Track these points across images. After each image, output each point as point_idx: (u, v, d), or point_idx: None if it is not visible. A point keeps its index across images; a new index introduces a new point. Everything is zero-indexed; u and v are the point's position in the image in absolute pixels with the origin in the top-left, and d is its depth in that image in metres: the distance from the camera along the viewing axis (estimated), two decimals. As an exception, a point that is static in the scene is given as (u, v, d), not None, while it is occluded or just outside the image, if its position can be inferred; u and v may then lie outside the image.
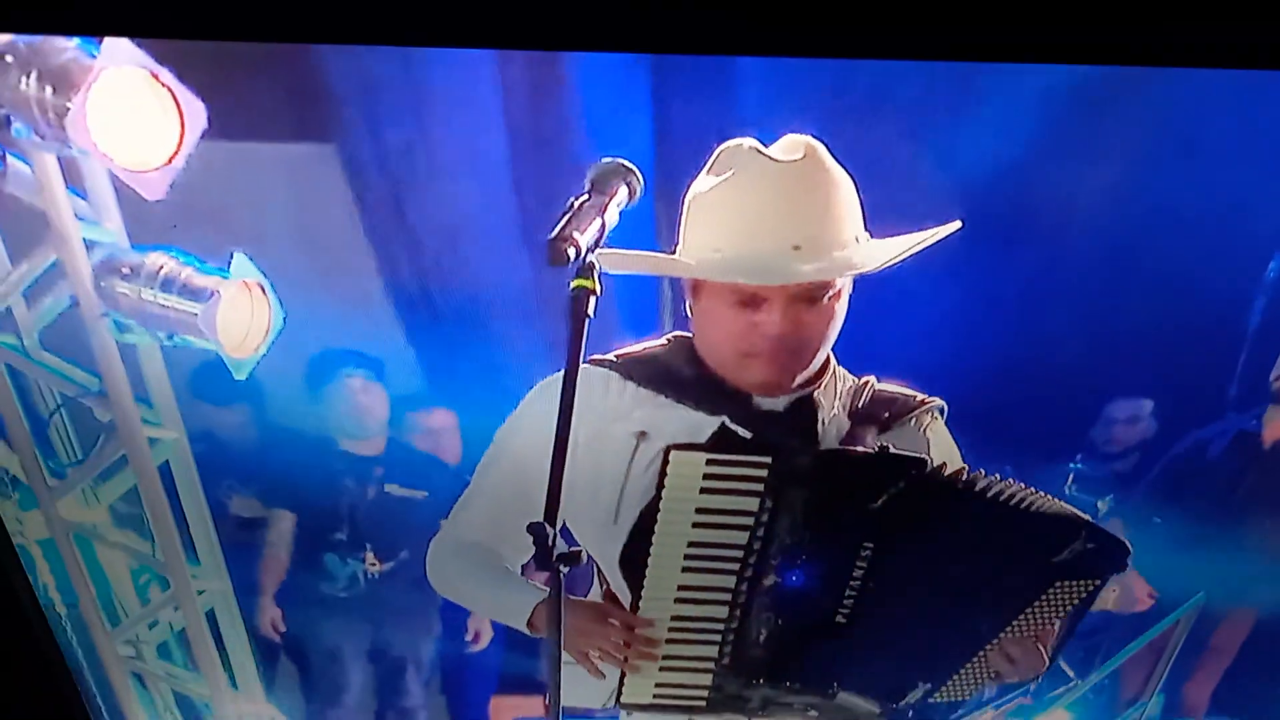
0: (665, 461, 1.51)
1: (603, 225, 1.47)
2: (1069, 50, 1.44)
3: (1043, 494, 1.51)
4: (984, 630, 1.58)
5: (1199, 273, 2.00)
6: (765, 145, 1.53)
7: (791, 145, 1.52)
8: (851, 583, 1.57)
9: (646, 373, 1.62)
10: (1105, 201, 1.88)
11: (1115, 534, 1.53)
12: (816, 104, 1.64)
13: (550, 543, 1.38)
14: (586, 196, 1.50)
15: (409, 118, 1.80)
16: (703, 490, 1.53)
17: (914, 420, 1.63)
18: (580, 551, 1.45)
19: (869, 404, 1.62)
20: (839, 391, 1.62)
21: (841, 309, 1.59)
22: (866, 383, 1.65)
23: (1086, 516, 1.52)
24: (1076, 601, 1.56)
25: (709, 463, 1.52)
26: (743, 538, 1.55)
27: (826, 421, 1.61)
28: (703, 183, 1.55)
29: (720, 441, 1.58)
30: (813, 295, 1.52)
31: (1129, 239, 1.96)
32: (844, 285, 1.57)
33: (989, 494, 1.48)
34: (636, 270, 1.57)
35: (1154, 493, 2.41)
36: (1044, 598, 1.55)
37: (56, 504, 2.32)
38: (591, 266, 1.43)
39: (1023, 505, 1.51)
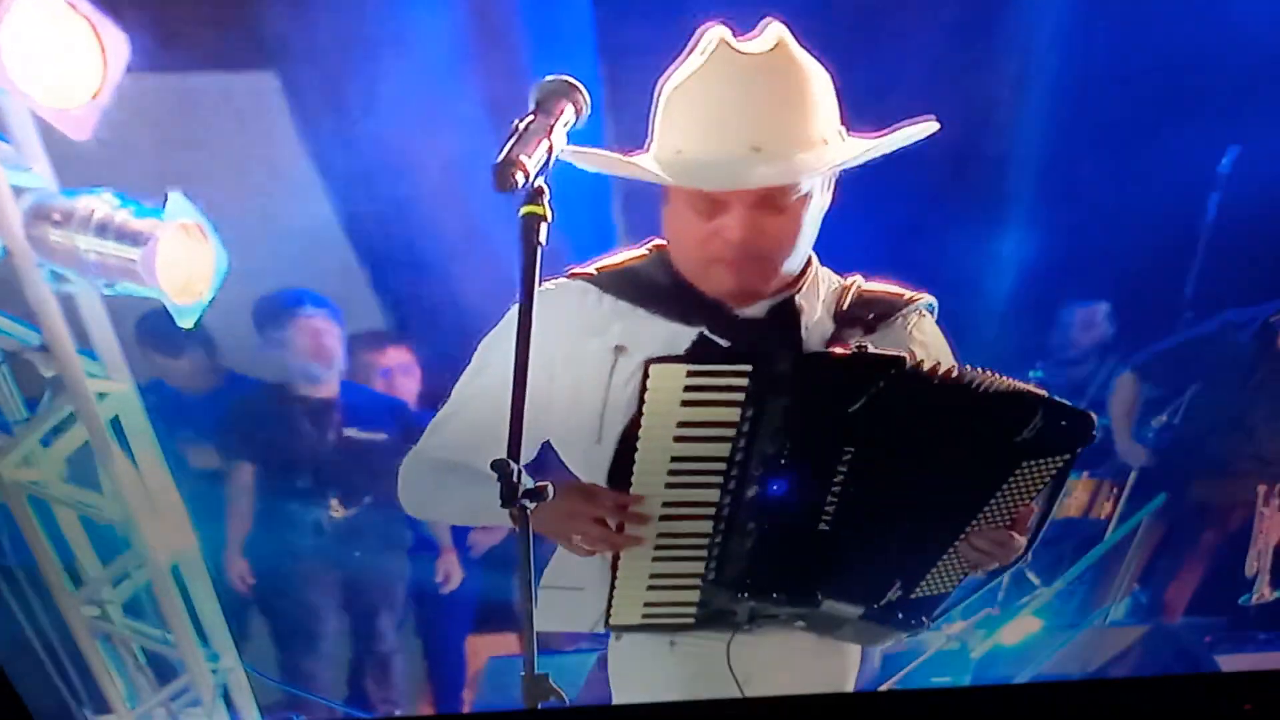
0: (645, 375, 1.47)
1: (550, 147, 1.40)
2: None
3: (1000, 376, 1.49)
4: (955, 523, 1.56)
5: (1153, 178, 2.00)
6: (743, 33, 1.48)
7: (763, 37, 1.47)
8: (833, 489, 1.53)
9: (624, 284, 1.57)
10: (1067, 104, 1.87)
11: (1075, 407, 1.52)
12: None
13: (515, 478, 1.34)
14: (532, 118, 1.42)
15: (351, 41, 1.73)
16: (684, 403, 1.46)
17: (900, 319, 1.56)
18: (546, 486, 1.40)
19: (854, 305, 1.56)
20: (822, 294, 1.56)
21: (812, 213, 1.53)
22: (852, 283, 1.59)
23: (1042, 392, 1.51)
24: (1049, 479, 1.56)
25: (689, 374, 1.45)
26: (725, 450, 1.49)
27: (809, 326, 1.55)
28: (675, 75, 1.49)
29: (699, 351, 1.53)
30: (776, 201, 1.45)
31: (1089, 142, 1.95)
32: (814, 188, 1.53)
33: (961, 383, 1.47)
34: (597, 168, 1.51)
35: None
36: (1011, 480, 1.49)
37: (5, 464, 2.24)
38: (541, 191, 1.35)
39: (981, 389, 1.49)
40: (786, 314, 1.54)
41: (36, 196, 1.92)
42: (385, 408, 2.33)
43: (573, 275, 1.57)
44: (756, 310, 1.54)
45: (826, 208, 1.55)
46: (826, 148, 1.46)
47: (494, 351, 1.59)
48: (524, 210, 1.34)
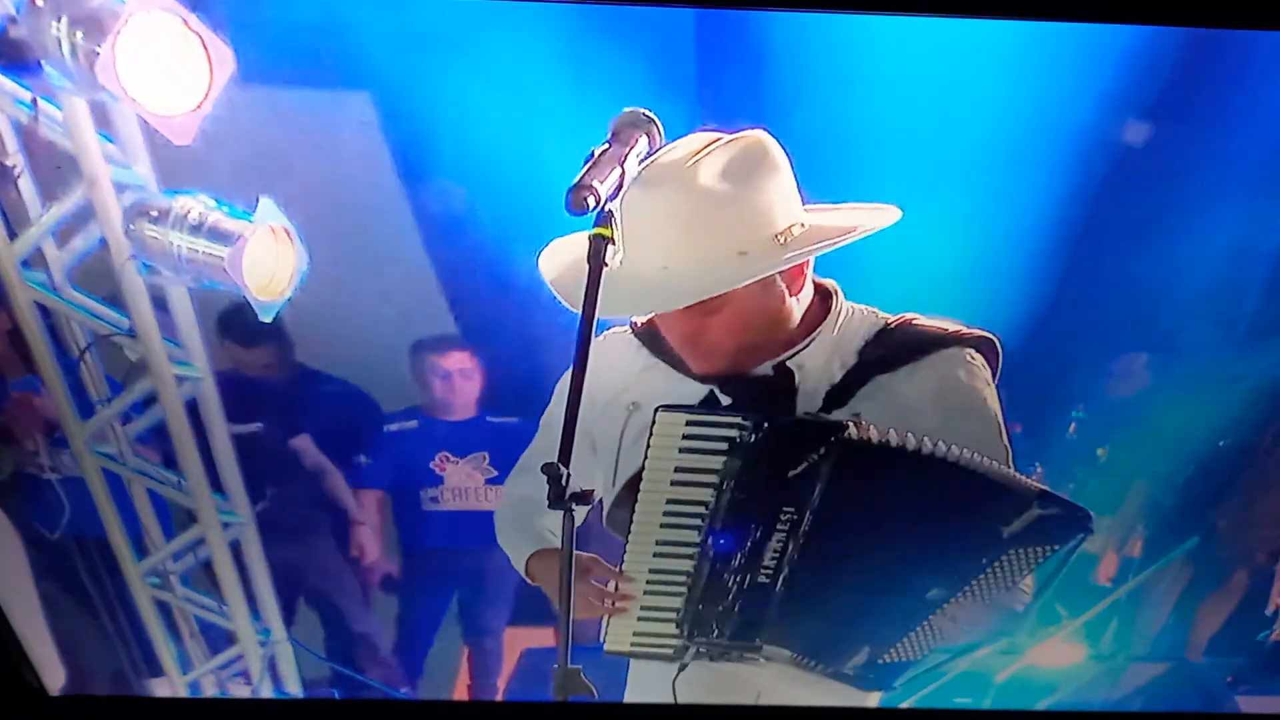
0: (653, 422, 1.55)
1: (622, 174, 1.48)
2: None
3: (992, 462, 1.49)
4: (932, 597, 1.59)
5: (1199, 237, 2.04)
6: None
7: (674, 155, 1.49)
8: (774, 544, 1.60)
9: (657, 340, 1.66)
10: (1114, 163, 1.92)
11: (1071, 500, 1.52)
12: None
13: (563, 481, 1.42)
14: (607, 146, 1.51)
15: (445, 66, 1.81)
16: (681, 450, 1.55)
17: (937, 357, 1.60)
18: (593, 491, 1.50)
19: (887, 342, 1.61)
20: (838, 340, 1.61)
21: (759, 306, 1.55)
22: (902, 319, 1.64)
23: (1039, 486, 1.51)
24: (1034, 566, 1.57)
25: (689, 423, 1.53)
26: (709, 495, 1.59)
27: (813, 377, 1.60)
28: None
29: (704, 406, 1.62)
30: (705, 307, 1.52)
31: (1140, 203, 1.99)
32: (756, 287, 1.52)
33: (932, 459, 1.47)
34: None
35: (1153, 443, 2.49)
36: (996, 566, 1.56)
37: (85, 440, 2.37)
38: (610, 215, 1.43)
39: (972, 472, 1.50)
40: (786, 371, 1.59)
41: (137, 194, 2.03)
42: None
43: (632, 325, 1.66)
44: (762, 369, 1.60)
45: (797, 291, 1.56)
46: (742, 260, 1.49)
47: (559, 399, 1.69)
48: (593, 231, 1.43)
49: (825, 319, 1.61)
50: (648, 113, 1.55)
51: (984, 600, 1.59)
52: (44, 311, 2.17)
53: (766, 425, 1.52)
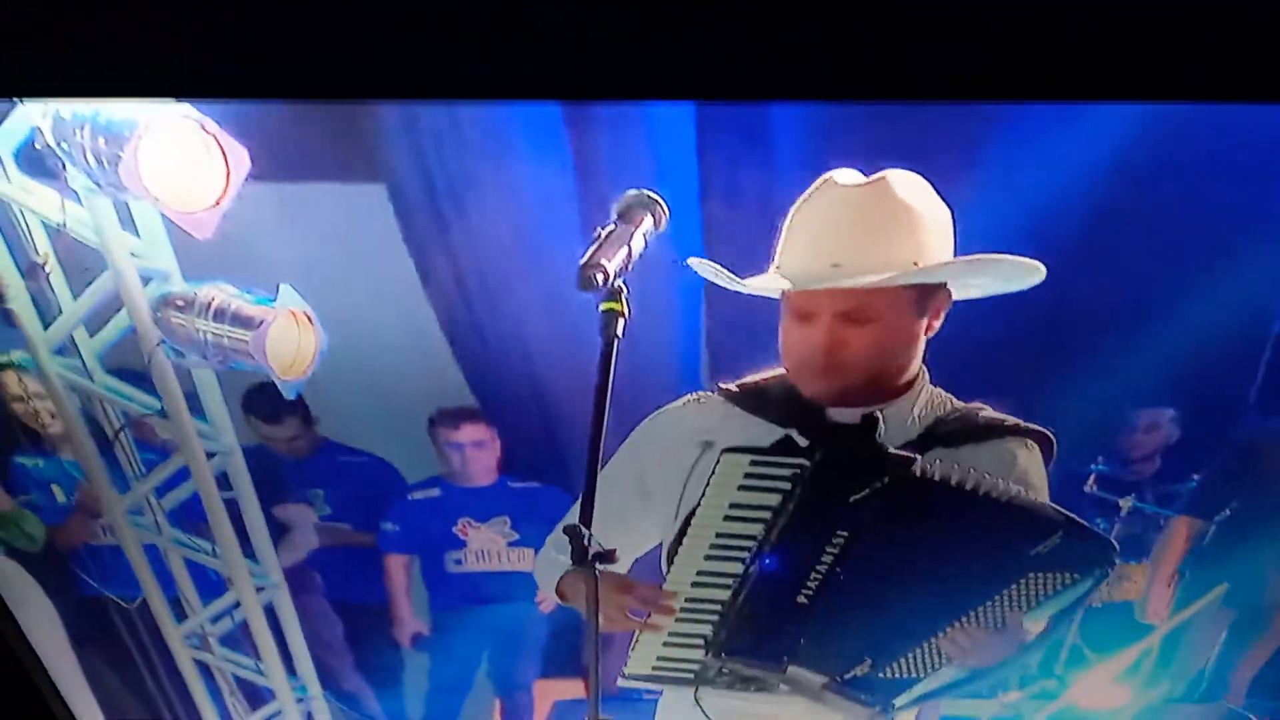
0: (717, 462, 1.60)
1: (629, 252, 1.52)
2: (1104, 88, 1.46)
3: (1022, 489, 1.55)
4: (946, 613, 1.62)
5: (1221, 295, 2.02)
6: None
7: (869, 176, 1.59)
8: (819, 567, 1.64)
9: (751, 396, 1.71)
10: (1139, 230, 1.92)
11: (1100, 534, 1.56)
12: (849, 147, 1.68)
13: (585, 542, 1.45)
14: (613, 226, 1.55)
15: (455, 161, 1.86)
16: (740, 487, 1.61)
17: (997, 443, 1.63)
18: (615, 551, 1.54)
19: (957, 424, 1.65)
20: (919, 410, 1.66)
21: (902, 332, 1.60)
22: (971, 407, 1.68)
23: (1068, 514, 1.55)
24: (1050, 593, 1.60)
25: (752, 462, 1.59)
26: (759, 530, 1.63)
27: (891, 435, 1.62)
28: (795, 204, 1.62)
29: (776, 448, 1.65)
30: (857, 315, 1.57)
31: (1162, 259, 1.99)
32: (903, 311, 1.59)
33: (967, 488, 1.53)
34: (722, 283, 1.64)
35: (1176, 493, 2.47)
36: (1013, 587, 1.59)
37: (122, 513, 2.45)
38: (620, 291, 1.48)
39: (1001, 499, 1.54)
40: (873, 419, 1.63)
41: (162, 285, 2.10)
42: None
43: (719, 390, 1.70)
44: (848, 416, 1.64)
45: (929, 332, 1.64)
46: (917, 272, 1.56)
47: (631, 452, 1.73)
48: (604, 306, 1.49)
49: (916, 383, 1.67)
50: (651, 193, 1.60)
51: (994, 623, 1.60)
52: (81, 395, 2.26)
53: (833, 450, 1.58)
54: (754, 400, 1.70)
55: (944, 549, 1.60)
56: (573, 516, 1.82)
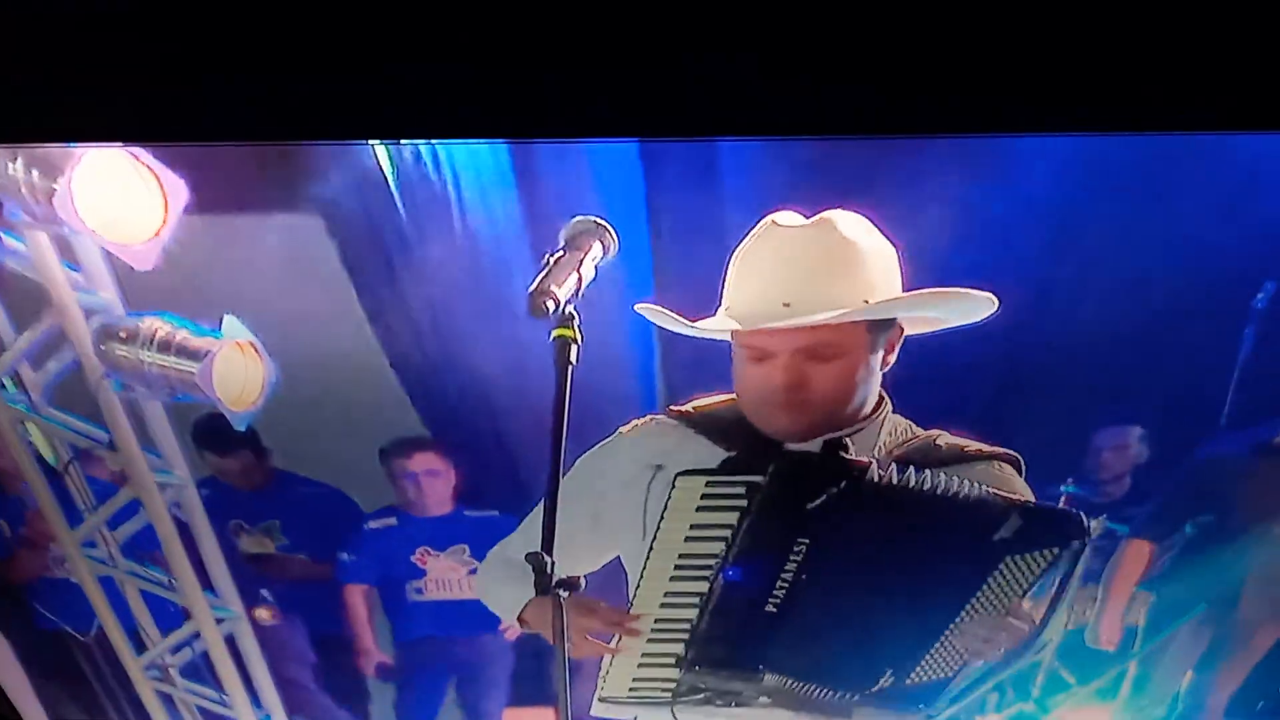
0: (673, 486, 1.61)
1: (579, 279, 1.53)
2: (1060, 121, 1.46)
3: (978, 485, 1.57)
4: (943, 614, 1.64)
5: (1188, 309, 2.00)
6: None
7: (811, 216, 1.58)
8: (785, 575, 1.64)
9: (701, 420, 1.70)
10: (1102, 249, 1.90)
11: (1059, 508, 1.65)
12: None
13: (548, 570, 1.44)
14: (561, 253, 1.56)
15: (396, 192, 1.84)
16: (698, 509, 1.61)
17: (968, 468, 1.64)
18: (579, 578, 1.54)
19: (925, 452, 1.66)
20: (882, 438, 1.66)
21: (862, 367, 1.62)
22: (932, 435, 1.68)
23: (1021, 499, 1.57)
24: (1039, 573, 1.59)
25: (708, 484, 1.60)
26: (721, 548, 1.65)
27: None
28: (739, 246, 1.61)
29: (725, 467, 1.65)
30: (819, 351, 1.58)
31: (1123, 276, 1.97)
32: (862, 345, 1.59)
33: (925, 489, 1.54)
34: (672, 327, 1.65)
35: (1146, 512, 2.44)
36: (997, 575, 1.60)
37: (75, 545, 2.42)
38: (571, 317, 1.50)
39: (957, 496, 1.56)
40: (841, 446, 1.63)
41: (104, 317, 2.07)
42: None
43: (670, 412, 1.70)
44: (809, 446, 1.63)
45: (885, 366, 1.63)
46: (868, 309, 1.55)
47: (587, 472, 1.71)
48: (555, 333, 1.49)
49: (879, 410, 1.67)
50: (599, 220, 1.60)
51: (997, 610, 1.62)
52: (25, 430, 2.23)
53: (788, 461, 1.60)
54: (707, 426, 1.70)
55: (911, 550, 1.61)
56: (519, 539, 1.81)
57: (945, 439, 1.69)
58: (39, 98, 1.47)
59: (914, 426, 1.69)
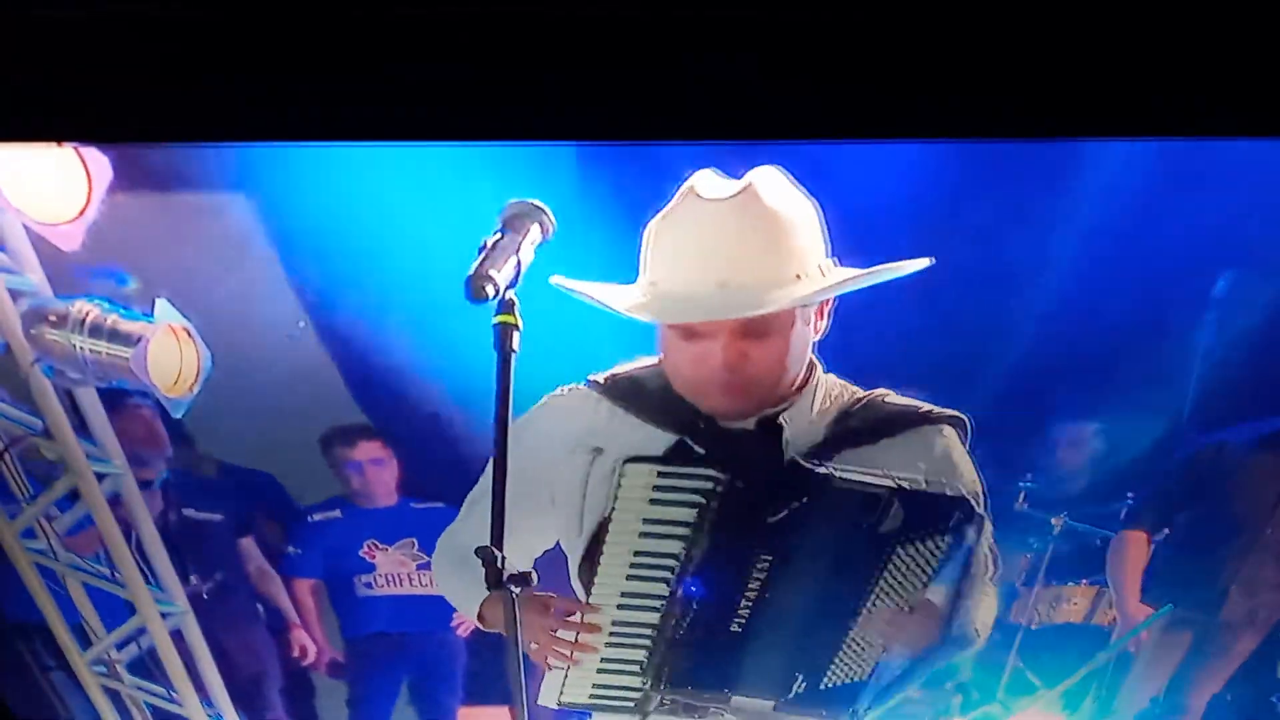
0: (620, 474, 1.57)
1: (519, 263, 1.48)
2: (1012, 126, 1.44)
3: (874, 471, 1.54)
4: (845, 612, 1.62)
5: (1146, 305, 1.96)
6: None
7: (732, 183, 1.52)
8: (748, 593, 1.58)
9: (626, 392, 1.66)
10: (1062, 244, 1.87)
11: (938, 493, 1.55)
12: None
13: (499, 564, 1.39)
14: (500, 235, 1.51)
15: (323, 169, 1.80)
16: (651, 501, 1.57)
17: (912, 433, 1.62)
18: (530, 573, 1.49)
19: (861, 417, 1.62)
20: (819, 406, 1.62)
21: (799, 339, 1.58)
22: (869, 395, 1.65)
23: (900, 485, 1.54)
24: (934, 562, 1.57)
25: (660, 474, 1.56)
26: (679, 547, 1.60)
27: (794, 438, 1.60)
28: (660, 215, 1.56)
29: (673, 456, 1.61)
30: (756, 330, 1.53)
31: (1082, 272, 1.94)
32: (798, 317, 1.56)
33: (830, 479, 1.54)
34: (587, 299, 1.59)
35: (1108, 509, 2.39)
36: (891, 567, 1.58)
37: (15, 538, 2.37)
38: (512, 303, 1.44)
39: (845, 487, 1.54)
40: (772, 428, 1.58)
41: (33, 300, 2.03)
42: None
43: (591, 382, 1.65)
44: (744, 423, 1.59)
45: (820, 334, 1.59)
46: (798, 283, 1.51)
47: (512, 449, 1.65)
48: (497, 319, 1.44)
49: (810, 381, 1.63)
50: (536, 202, 1.55)
51: (899, 603, 1.60)
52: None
53: (749, 474, 1.56)
54: (631, 397, 1.65)
55: (812, 548, 1.57)
56: (461, 526, 1.76)
57: (891, 397, 1.65)
58: (36, 96, 1.43)
59: (850, 385, 1.65)
